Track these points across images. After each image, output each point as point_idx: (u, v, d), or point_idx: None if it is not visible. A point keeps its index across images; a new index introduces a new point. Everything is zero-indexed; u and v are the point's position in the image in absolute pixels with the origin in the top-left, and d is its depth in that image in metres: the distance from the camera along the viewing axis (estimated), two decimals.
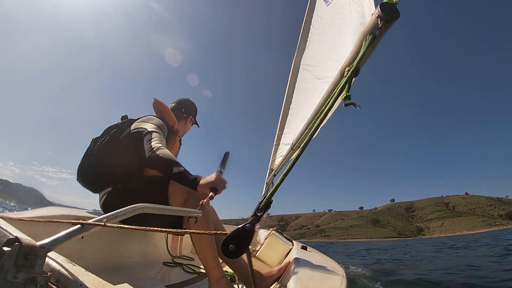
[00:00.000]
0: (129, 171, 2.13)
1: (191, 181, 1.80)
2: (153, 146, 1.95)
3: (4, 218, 1.45)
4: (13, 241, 0.78)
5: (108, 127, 2.31)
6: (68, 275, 0.91)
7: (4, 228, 1.24)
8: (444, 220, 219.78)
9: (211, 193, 1.76)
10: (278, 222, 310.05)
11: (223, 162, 2.27)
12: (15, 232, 1.18)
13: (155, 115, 2.43)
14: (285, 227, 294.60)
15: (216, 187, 1.78)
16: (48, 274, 0.84)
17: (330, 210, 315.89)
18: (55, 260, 0.95)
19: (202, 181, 1.79)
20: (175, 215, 1.99)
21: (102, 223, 0.98)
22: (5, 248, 0.76)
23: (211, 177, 1.81)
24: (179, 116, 2.60)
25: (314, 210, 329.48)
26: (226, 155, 2.34)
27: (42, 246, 0.84)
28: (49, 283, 0.84)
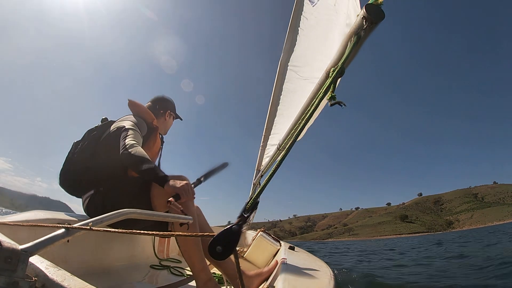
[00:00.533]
0: (111, 172, 2.11)
1: (160, 178, 1.84)
2: (126, 144, 1.96)
3: None
4: None
5: (88, 131, 2.29)
6: (54, 279, 0.88)
7: None
8: (474, 212, 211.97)
9: (170, 198, 1.79)
10: (305, 222, 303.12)
11: (212, 172, 2.29)
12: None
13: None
14: (312, 227, 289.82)
15: (180, 194, 1.81)
16: (33, 279, 0.82)
17: (357, 208, 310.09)
18: (40, 264, 0.93)
19: (170, 182, 1.82)
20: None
21: (88, 227, 0.97)
22: None
23: (181, 182, 1.84)
24: (156, 113, 2.58)
25: (341, 209, 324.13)
26: (223, 165, 2.37)
27: (24, 250, 0.82)
28: None
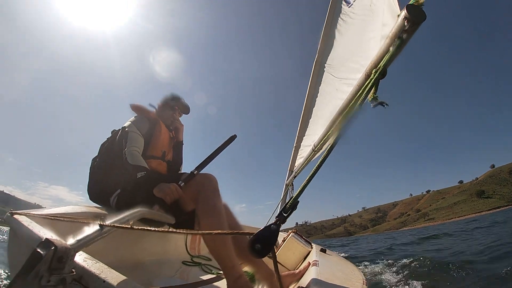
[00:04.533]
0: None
1: (149, 185, 1.99)
2: (125, 152, 2.14)
3: (27, 216, 1.48)
4: (48, 244, 0.80)
5: (102, 144, 2.44)
6: (92, 271, 0.92)
7: (31, 227, 1.26)
8: None
9: (156, 206, 1.89)
10: (376, 214, 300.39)
11: (220, 148, 2.37)
12: (43, 231, 1.20)
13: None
14: (384, 218, 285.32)
15: (163, 198, 1.93)
16: (73, 271, 0.86)
17: (428, 191, 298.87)
18: (78, 257, 0.96)
19: (156, 188, 1.96)
20: (189, 214, 2.05)
21: (129, 226, 1.00)
22: (40, 250, 0.78)
23: (159, 185, 1.96)
24: (158, 111, 2.72)
25: (411, 195, 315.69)
26: (231, 139, 2.42)
27: (72, 247, 0.86)
28: (73, 281, 0.85)
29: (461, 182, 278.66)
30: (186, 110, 2.86)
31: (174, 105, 2.77)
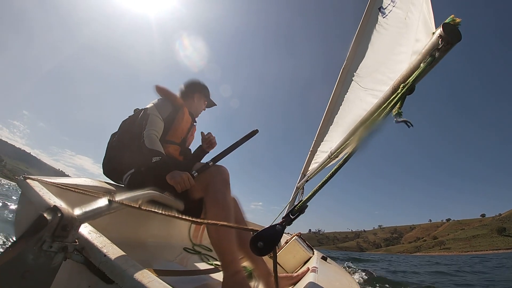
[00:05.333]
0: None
1: (163, 171, 2.01)
2: (144, 134, 2.13)
3: (40, 182, 1.51)
4: (55, 211, 0.81)
5: (123, 121, 2.44)
6: (94, 244, 0.93)
7: (42, 193, 1.28)
8: None
9: (166, 192, 1.91)
10: (391, 234, 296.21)
11: (240, 141, 2.34)
12: (52, 199, 1.22)
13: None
14: (398, 239, 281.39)
15: (174, 186, 1.94)
16: (76, 242, 0.87)
17: (448, 220, 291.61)
18: (83, 229, 0.97)
19: (169, 175, 1.97)
20: (197, 203, 2.04)
21: (137, 206, 1.01)
22: (46, 216, 0.79)
23: (172, 173, 1.97)
24: (185, 95, 2.70)
25: (430, 220, 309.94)
26: (252, 133, 2.41)
27: (79, 218, 0.87)
28: (74, 250, 0.87)
29: (483, 215, 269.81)
30: (212, 106, 2.92)
31: (205, 99, 2.80)
